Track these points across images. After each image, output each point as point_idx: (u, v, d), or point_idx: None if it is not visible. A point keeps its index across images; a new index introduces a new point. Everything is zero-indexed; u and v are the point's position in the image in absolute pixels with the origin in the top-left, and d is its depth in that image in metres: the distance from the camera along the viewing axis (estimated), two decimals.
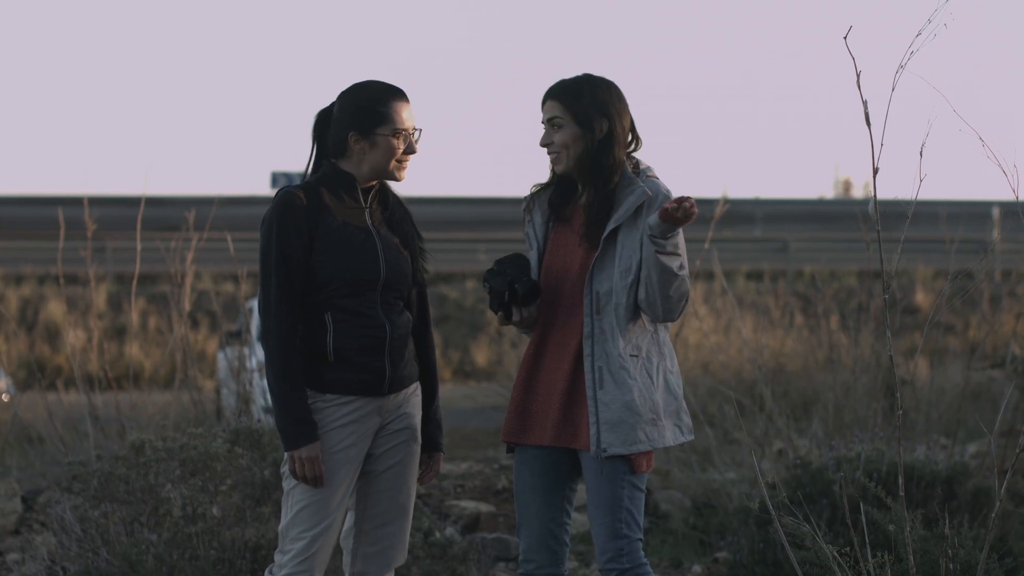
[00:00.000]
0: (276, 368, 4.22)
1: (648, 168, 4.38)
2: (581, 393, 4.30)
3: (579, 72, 4.37)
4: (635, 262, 4.25)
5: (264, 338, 4.25)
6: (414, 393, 4.43)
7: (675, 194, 4.31)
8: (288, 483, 4.28)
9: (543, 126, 4.37)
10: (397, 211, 4.41)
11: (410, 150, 4.30)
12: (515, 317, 4.36)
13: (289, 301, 4.23)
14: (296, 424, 4.20)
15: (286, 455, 4.28)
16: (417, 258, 4.41)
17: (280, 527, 4.30)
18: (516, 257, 4.38)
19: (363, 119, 4.27)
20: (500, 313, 4.39)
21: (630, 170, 4.35)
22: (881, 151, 4.24)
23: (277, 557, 4.30)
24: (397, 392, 4.35)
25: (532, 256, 4.43)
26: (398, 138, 4.27)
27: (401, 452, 4.38)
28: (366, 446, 4.32)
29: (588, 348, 4.26)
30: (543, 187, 4.46)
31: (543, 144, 4.37)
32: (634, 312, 4.28)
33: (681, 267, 4.22)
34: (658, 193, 4.29)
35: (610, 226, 4.27)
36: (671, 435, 4.30)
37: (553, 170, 4.40)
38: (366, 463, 4.36)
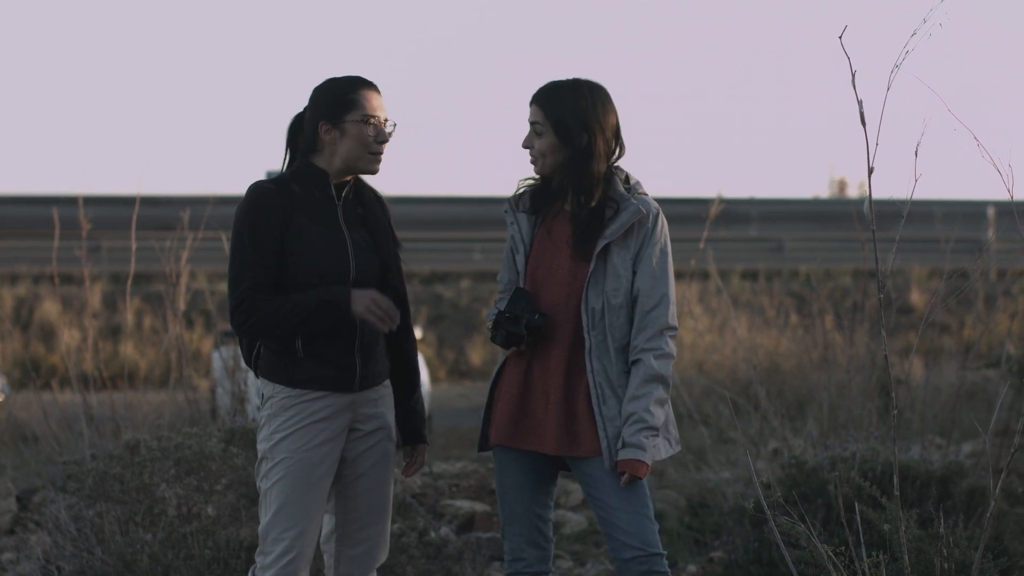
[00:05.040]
0: (259, 313, 4.15)
1: (638, 184, 4.42)
2: (578, 403, 4.33)
3: (570, 75, 4.37)
4: (625, 282, 4.32)
5: (236, 319, 4.18)
6: (386, 391, 4.42)
7: (662, 214, 4.38)
8: (265, 483, 4.26)
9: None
10: (375, 211, 4.38)
11: (381, 138, 4.28)
12: (523, 345, 4.39)
13: (257, 295, 4.18)
14: (324, 299, 4.14)
15: (260, 457, 4.27)
16: (392, 264, 4.39)
17: (260, 528, 4.27)
18: (518, 295, 4.36)
19: (333, 108, 4.26)
20: (513, 348, 4.39)
21: (621, 183, 4.37)
22: (876, 151, 4.24)
23: (259, 559, 4.27)
24: (368, 388, 4.33)
25: (519, 259, 4.42)
26: (368, 125, 4.26)
27: (377, 453, 4.37)
28: (340, 444, 4.30)
29: (589, 364, 4.31)
30: (529, 186, 4.46)
31: (524, 146, 4.38)
32: (625, 331, 4.34)
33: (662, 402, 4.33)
34: (650, 212, 4.33)
35: (602, 243, 4.31)
36: (664, 448, 4.36)
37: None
38: (343, 467, 4.34)
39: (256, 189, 4.22)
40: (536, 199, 4.44)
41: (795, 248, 23.62)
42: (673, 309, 4.34)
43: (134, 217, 8.44)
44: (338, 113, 4.26)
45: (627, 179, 4.40)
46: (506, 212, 4.48)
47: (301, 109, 4.37)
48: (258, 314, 4.16)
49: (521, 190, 4.48)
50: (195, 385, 9.05)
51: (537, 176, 4.43)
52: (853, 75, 4.16)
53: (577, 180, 4.32)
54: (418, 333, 14.78)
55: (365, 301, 4.15)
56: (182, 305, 8.32)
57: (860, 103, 4.19)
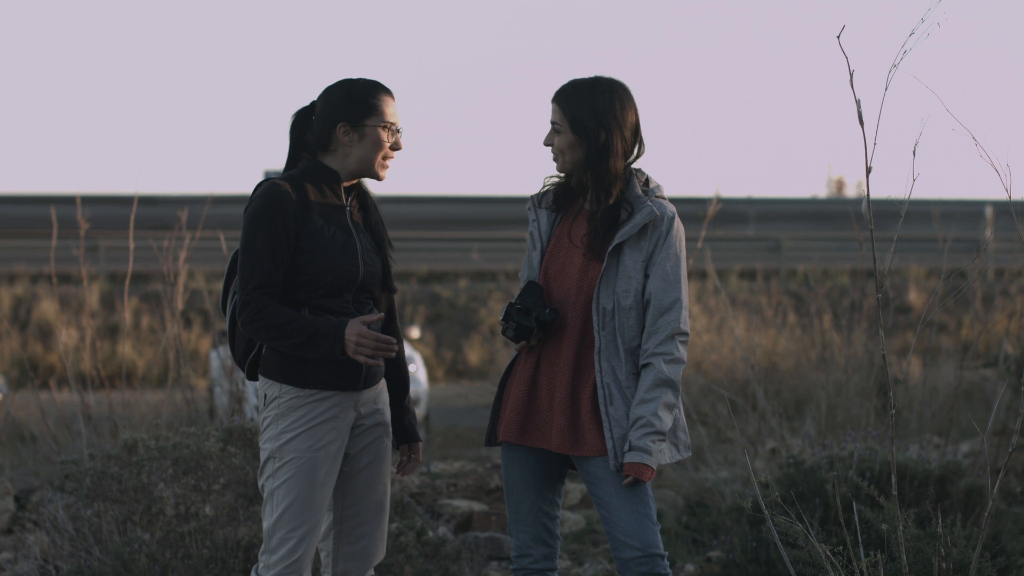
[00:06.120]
0: (269, 320, 4.17)
1: (658, 187, 4.41)
2: (582, 402, 4.34)
3: (570, 75, 4.38)
4: (636, 283, 4.31)
5: (244, 314, 4.19)
6: (383, 389, 4.45)
7: (678, 218, 4.35)
8: (271, 483, 4.26)
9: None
10: (374, 214, 4.43)
11: (395, 146, 4.32)
12: (533, 341, 4.40)
13: (268, 294, 4.20)
14: (319, 329, 4.15)
15: (265, 456, 4.27)
16: (387, 264, 4.42)
17: (265, 528, 4.28)
18: (530, 287, 4.38)
19: (354, 110, 4.28)
20: (523, 343, 4.41)
21: (640, 185, 4.37)
22: (874, 150, 4.24)
23: (263, 558, 4.28)
24: (370, 387, 4.36)
25: (535, 256, 4.44)
26: (386, 132, 4.29)
27: (375, 449, 4.40)
28: (344, 443, 4.32)
29: (598, 364, 4.31)
30: (554, 184, 4.47)
31: (545, 144, 4.40)
32: (635, 332, 4.34)
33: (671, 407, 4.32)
34: (664, 214, 4.32)
35: (615, 241, 4.30)
36: (669, 453, 4.36)
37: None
38: (343, 463, 4.36)
39: (273, 190, 4.22)
40: (559, 197, 4.45)
41: (793, 247, 23.64)
42: (685, 314, 4.34)
43: (132, 216, 8.44)
44: (359, 116, 4.28)
45: (647, 182, 4.40)
46: (529, 209, 4.50)
47: (307, 104, 4.37)
48: (265, 322, 4.18)
49: (546, 188, 4.50)
50: (193, 385, 9.05)
51: (562, 174, 4.44)
52: (851, 75, 4.16)
53: (595, 177, 4.33)
54: (416, 333, 14.80)
55: (354, 338, 4.15)
56: (180, 305, 8.32)
57: (858, 103, 4.19)
